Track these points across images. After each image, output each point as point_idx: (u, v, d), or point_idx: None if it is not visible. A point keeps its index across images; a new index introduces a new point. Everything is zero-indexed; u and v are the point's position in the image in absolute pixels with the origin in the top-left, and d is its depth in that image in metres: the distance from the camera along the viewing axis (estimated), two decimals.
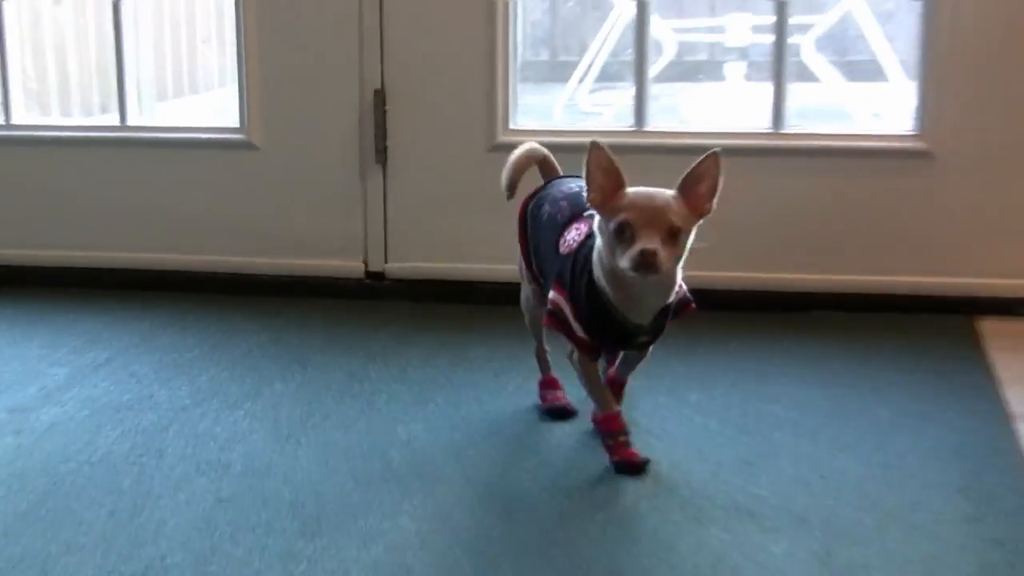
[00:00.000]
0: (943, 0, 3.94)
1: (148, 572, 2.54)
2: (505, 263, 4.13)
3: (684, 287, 2.89)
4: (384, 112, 4.23)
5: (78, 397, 3.47)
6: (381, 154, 4.23)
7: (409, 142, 4.25)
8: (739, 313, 4.01)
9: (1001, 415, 3.28)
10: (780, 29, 4.13)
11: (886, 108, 6.75)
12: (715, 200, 2.73)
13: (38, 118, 5.80)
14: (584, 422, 3.13)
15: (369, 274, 4.30)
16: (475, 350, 3.76)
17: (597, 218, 2.80)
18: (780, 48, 4.13)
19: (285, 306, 4.19)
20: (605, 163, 2.74)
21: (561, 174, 3.29)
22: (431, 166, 4.25)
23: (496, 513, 2.80)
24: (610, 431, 2.99)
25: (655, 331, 2.92)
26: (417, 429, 3.24)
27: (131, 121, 4.54)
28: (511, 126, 4.22)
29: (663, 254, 2.63)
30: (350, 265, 4.29)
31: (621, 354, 3.13)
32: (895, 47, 7.11)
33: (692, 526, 2.71)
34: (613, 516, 2.78)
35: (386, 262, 4.28)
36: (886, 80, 6.99)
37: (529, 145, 3.29)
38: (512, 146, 4.10)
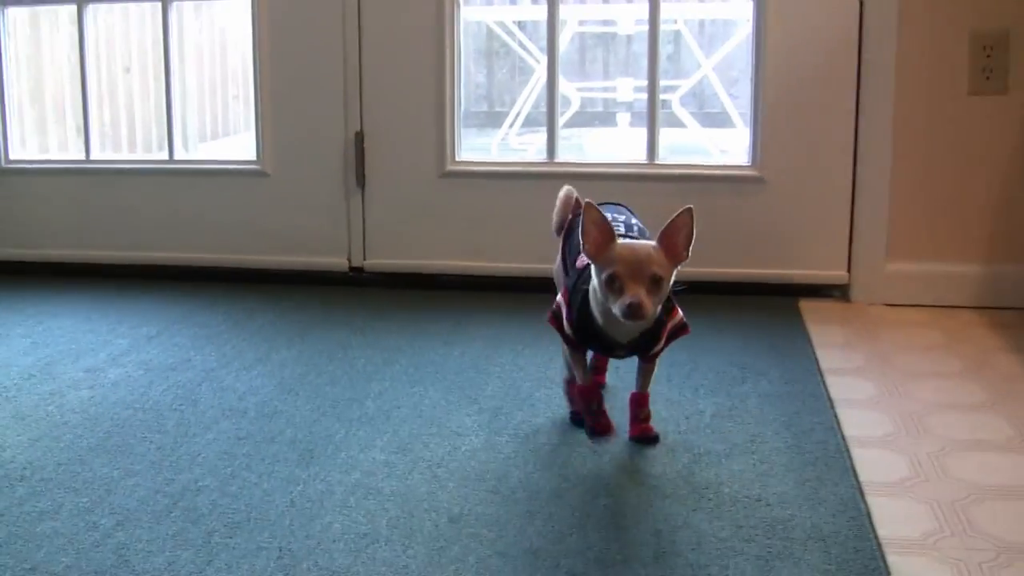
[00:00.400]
0: (768, 67, 3.96)
1: (186, 491, 2.53)
2: (454, 259, 4.14)
3: (681, 313, 2.63)
4: (363, 148, 4.20)
5: (135, 361, 3.42)
6: (361, 179, 4.20)
7: (381, 170, 4.21)
8: None
9: (815, 370, 3.28)
10: (652, 89, 4.11)
11: (731, 146, 6.76)
12: (690, 249, 2.47)
13: (111, 154, 5.73)
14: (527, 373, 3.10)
15: (352, 268, 4.26)
16: (432, 326, 3.73)
17: (592, 266, 2.51)
18: (653, 103, 4.11)
19: (288, 293, 4.14)
20: (598, 220, 2.47)
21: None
22: (398, 187, 4.21)
23: (445, 446, 2.77)
24: (585, 399, 2.71)
25: (634, 348, 2.63)
26: (385, 384, 3.21)
27: (177, 156, 4.49)
28: (457, 158, 4.20)
29: (648, 303, 2.38)
30: (337, 261, 4.25)
31: (639, 366, 2.76)
32: (737, 103, 7.14)
33: (585, 451, 2.69)
34: (534, 448, 2.75)
35: (365, 259, 4.24)
36: (733, 126, 7.01)
37: (566, 188, 2.96)
38: (458, 174, 4.13)
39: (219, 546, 2.28)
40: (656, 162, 4.10)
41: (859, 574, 2.15)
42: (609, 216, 2.73)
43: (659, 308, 2.48)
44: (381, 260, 4.22)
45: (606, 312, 2.49)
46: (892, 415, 2.95)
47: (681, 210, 2.46)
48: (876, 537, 2.30)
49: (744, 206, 4.02)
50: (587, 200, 2.50)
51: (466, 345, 3.52)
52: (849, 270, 3.98)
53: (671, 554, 2.23)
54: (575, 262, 2.72)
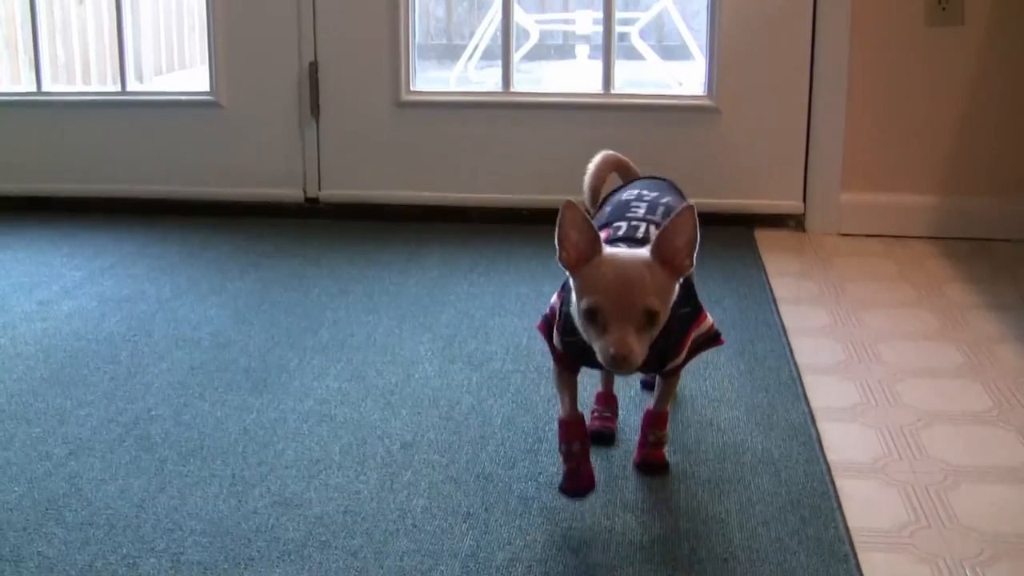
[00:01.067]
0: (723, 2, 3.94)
1: (139, 420, 2.52)
2: (409, 190, 4.12)
3: (710, 319, 2.20)
4: (317, 78, 4.15)
5: (89, 293, 3.39)
6: (315, 109, 4.16)
7: (336, 100, 4.17)
8: None
9: (769, 299, 3.29)
10: (608, 19, 4.09)
11: (691, 79, 6.74)
12: (694, 255, 1.96)
13: (65, 87, 5.66)
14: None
15: (307, 199, 4.23)
16: (385, 254, 3.71)
17: (570, 279, 2.00)
18: (609, 33, 4.10)
19: (243, 224, 4.10)
20: (580, 223, 1.94)
21: (639, 176, 2.56)
22: (353, 118, 4.17)
23: (398, 373, 2.77)
24: (566, 437, 2.15)
25: (643, 366, 2.06)
26: (340, 313, 3.20)
27: (131, 88, 4.44)
28: (412, 89, 4.16)
29: (637, 348, 1.87)
30: (293, 192, 4.22)
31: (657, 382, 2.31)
32: (697, 35, 7.10)
33: (536, 377, 2.69)
34: (487, 375, 2.75)
35: (320, 190, 4.21)
36: (692, 59, 6.99)
37: (604, 153, 2.56)
38: (413, 104, 4.10)
39: (172, 474, 2.28)
40: (612, 92, 4.09)
41: (808, 497, 2.17)
42: (634, 194, 2.31)
43: (656, 332, 1.96)
44: (336, 191, 4.20)
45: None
46: (844, 343, 2.97)
47: (679, 209, 1.95)
48: (826, 461, 2.32)
49: (700, 137, 4.01)
50: (568, 200, 1.95)
51: (421, 275, 3.51)
52: (804, 200, 3.99)
53: (621, 478, 2.25)
54: None
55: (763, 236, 3.92)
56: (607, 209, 2.31)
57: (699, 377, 2.70)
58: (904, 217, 3.92)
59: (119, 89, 4.44)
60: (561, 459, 2.15)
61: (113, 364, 2.83)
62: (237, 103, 4.22)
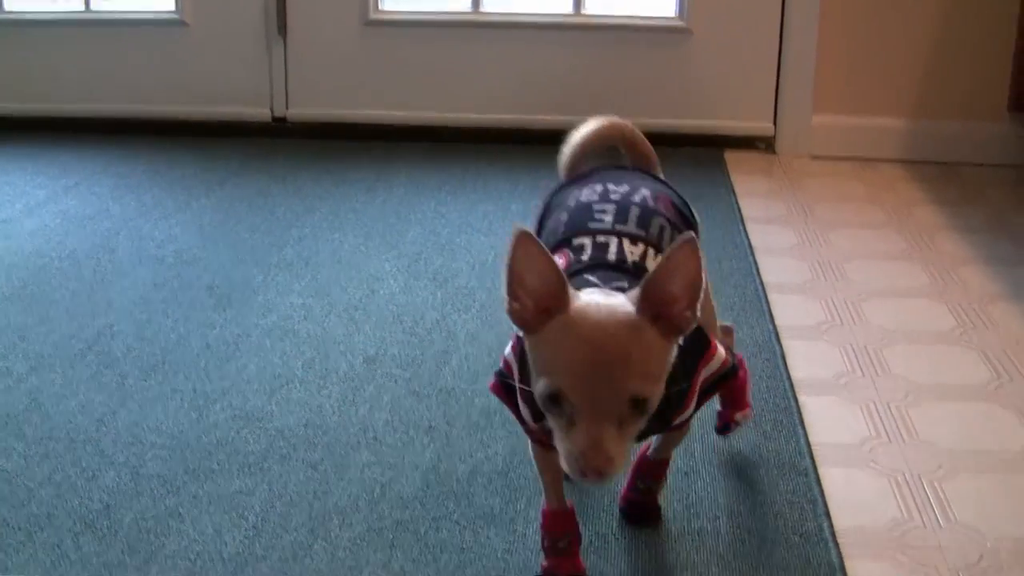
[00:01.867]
0: None
1: (100, 336, 2.50)
2: (378, 109, 4.07)
3: (721, 350, 1.64)
4: None
5: (52, 211, 3.35)
6: (282, 28, 4.09)
7: (303, 19, 4.10)
8: (547, 147, 3.95)
9: (737, 219, 3.28)
10: None
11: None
12: (698, 305, 1.41)
13: (27, 4, 5.56)
14: None
15: (274, 119, 4.17)
16: (352, 174, 3.69)
17: (524, 342, 1.46)
18: None
19: (210, 143, 4.06)
20: (538, 263, 1.40)
21: (651, 156, 2.00)
22: (320, 36, 4.11)
23: (363, 289, 2.76)
24: (550, 531, 1.69)
25: (638, 437, 1.54)
26: (306, 230, 3.18)
27: (94, 6, 4.35)
28: (380, 7, 4.10)
29: (618, 452, 1.36)
30: (260, 112, 4.16)
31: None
32: None
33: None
34: (452, 291, 2.74)
35: (287, 109, 4.16)
36: None
37: (604, 120, 1.94)
38: (381, 22, 4.05)
39: (133, 389, 2.27)
40: (582, 12, 4.04)
41: (770, 413, 2.18)
42: (597, 191, 1.73)
43: (632, 449, 1.55)
44: (303, 110, 4.15)
45: None
46: (811, 263, 2.97)
47: (678, 242, 1.38)
48: (789, 378, 2.32)
49: (671, 58, 3.97)
50: (520, 229, 1.40)
51: (387, 193, 3.49)
52: (775, 122, 3.97)
53: None
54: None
55: (733, 157, 3.90)
56: (561, 215, 1.71)
57: None
58: (875, 140, 3.91)
59: (83, 8, 4.36)
60: (543, 554, 1.71)
61: (76, 281, 2.81)
62: (203, 22, 4.15)
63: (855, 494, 1.94)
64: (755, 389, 2.26)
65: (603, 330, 1.38)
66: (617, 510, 1.86)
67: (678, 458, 2.00)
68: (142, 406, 2.20)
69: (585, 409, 1.35)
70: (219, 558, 1.74)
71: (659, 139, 3.92)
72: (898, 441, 2.10)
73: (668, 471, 1.84)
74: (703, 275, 1.40)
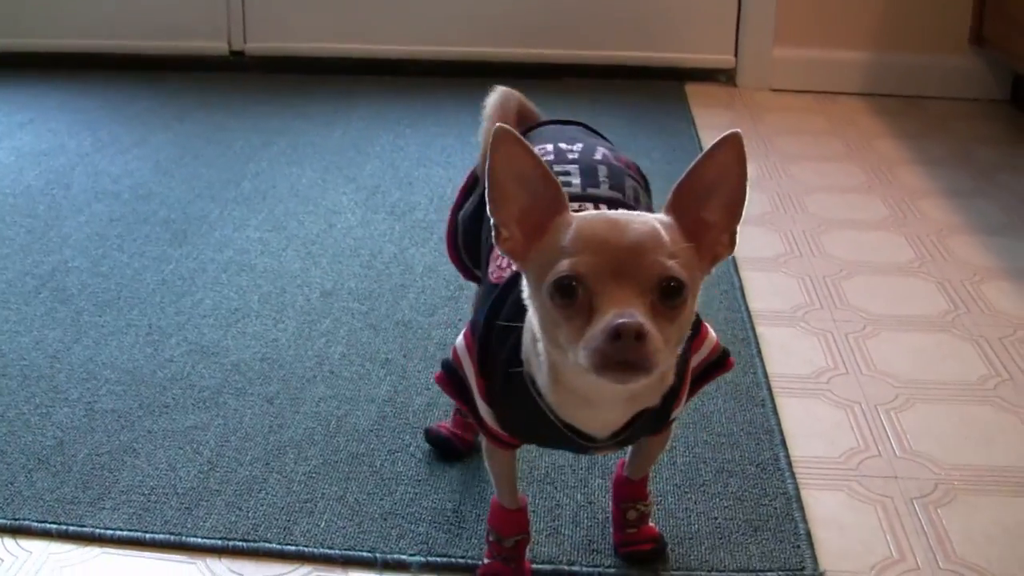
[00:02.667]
0: None
1: (55, 272, 2.47)
2: (337, 42, 4.02)
3: (713, 336, 1.46)
4: None
5: (6, 148, 3.29)
6: None
7: None
8: (507, 79, 3.91)
9: (697, 151, 3.21)
10: None
11: None
12: (738, 227, 1.24)
13: None
14: None
15: (232, 52, 4.12)
16: (312, 107, 3.65)
17: (522, 273, 1.26)
18: None
19: (167, 78, 4.00)
20: (528, 167, 1.21)
21: (541, 119, 1.77)
22: None
23: (320, 223, 2.73)
24: (498, 529, 1.53)
25: (627, 440, 1.39)
26: (263, 165, 3.15)
27: None
28: None
29: (655, 335, 1.12)
30: (217, 46, 4.10)
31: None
32: None
33: None
34: (409, 224, 2.72)
35: (245, 43, 4.09)
36: None
37: (500, 93, 1.74)
38: None
39: (88, 324, 2.24)
40: None
41: (728, 344, 2.15)
42: (549, 149, 1.55)
43: (679, 347, 1.24)
44: (262, 44, 4.08)
45: (558, 381, 1.28)
46: (771, 195, 2.96)
47: (722, 138, 1.21)
48: (747, 309, 2.31)
49: None
50: (499, 124, 1.21)
51: (346, 126, 3.45)
52: (736, 55, 3.94)
53: None
54: (487, 267, 1.49)
55: (694, 90, 3.88)
56: None
57: None
58: (836, 73, 3.89)
59: None
60: (485, 549, 1.57)
61: (30, 218, 2.76)
62: None
63: (812, 425, 1.93)
64: (714, 320, 2.24)
65: (626, 216, 1.21)
66: None
67: None
68: (97, 342, 2.17)
69: (605, 285, 1.14)
70: (173, 493, 1.73)
71: (620, 71, 3.95)
72: (855, 372, 2.10)
73: (647, 488, 1.62)
74: (746, 183, 1.22)
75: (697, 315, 1.33)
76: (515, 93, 1.72)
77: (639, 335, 1.10)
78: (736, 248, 1.25)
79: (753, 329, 2.23)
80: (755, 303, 2.35)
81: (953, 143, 3.39)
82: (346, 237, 2.65)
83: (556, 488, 1.75)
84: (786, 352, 2.17)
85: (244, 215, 2.78)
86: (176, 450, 1.83)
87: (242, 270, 2.48)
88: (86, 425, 1.90)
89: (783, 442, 1.87)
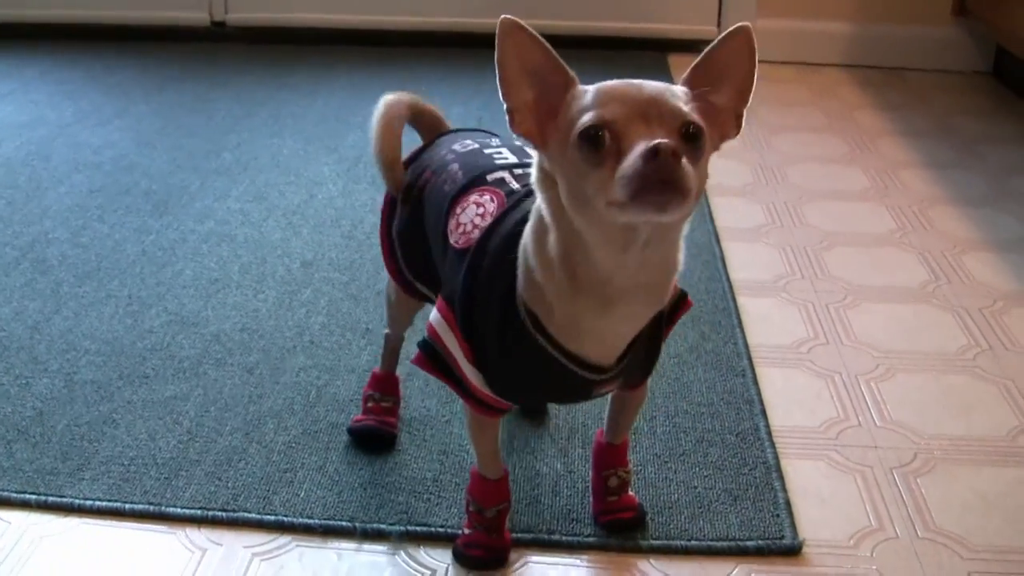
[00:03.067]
0: None
1: (36, 242, 2.46)
2: (318, 12, 3.99)
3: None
4: None
5: None
6: None
7: None
8: (489, 50, 3.89)
9: None
10: None
11: None
12: (745, 111, 1.29)
13: None
14: None
15: (214, 23, 4.09)
16: (294, 77, 3.63)
17: (535, 157, 1.28)
18: None
19: (148, 49, 3.97)
20: (536, 53, 1.25)
21: (450, 128, 1.72)
22: None
23: (302, 194, 2.72)
24: (479, 499, 1.54)
25: (629, 370, 1.40)
26: (245, 135, 3.13)
27: None
28: None
29: (687, 163, 1.14)
30: (198, 16, 4.07)
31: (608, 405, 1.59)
32: None
33: None
34: None
35: (226, 13, 4.07)
36: None
37: (393, 97, 1.67)
38: None
39: (67, 295, 2.22)
40: None
41: (709, 314, 2.17)
42: (467, 143, 1.58)
43: (698, 200, 1.23)
44: (243, 14, 4.06)
45: (575, 281, 1.28)
46: (753, 166, 2.95)
47: (732, 28, 1.27)
48: (728, 279, 2.31)
49: None
50: (504, 16, 1.25)
51: (328, 96, 3.43)
52: (719, 25, 3.93)
53: None
54: (446, 245, 1.46)
55: (676, 61, 3.87)
56: (450, 171, 1.53)
57: None
58: (820, 44, 3.88)
59: None
60: (465, 519, 1.58)
61: (10, 189, 2.75)
62: None
63: (792, 394, 1.93)
64: (695, 291, 2.25)
65: (640, 80, 1.23)
66: (553, 411, 1.85)
67: None
68: (77, 313, 2.16)
69: (633, 125, 1.17)
70: (153, 463, 1.72)
71: (602, 42, 3.93)
72: (836, 342, 2.10)
73: (628, 455, 1.62)
74: (756, 71, 1.27)
75: None
76: (404, 98, 1.68)
77: (675, 152, 1.12)
78: (740, 132, 1.31)
79: (734, 299, 2.23)
80: (736, 273, 2.34)
81: (935, 115, 3.39)
82: (327, 207, 2.64)
83: (536, 457, 1.75)
84: (767, 322, 2.17)
85: (225, 186, 2.76)
86: (156, 420, 1.82)
87: (223, 241, 2.46)
88: (66, 396, 1.89)
89: (763, 412, 1.87)
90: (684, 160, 1.13)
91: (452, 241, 1.44)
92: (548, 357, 1.33)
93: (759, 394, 1.92)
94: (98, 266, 2.35)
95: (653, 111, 1.18)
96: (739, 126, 1.29)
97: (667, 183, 1.13)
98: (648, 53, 3.90)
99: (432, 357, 1.42)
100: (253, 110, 3.32)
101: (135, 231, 2.51)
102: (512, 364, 1.36)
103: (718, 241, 2.47)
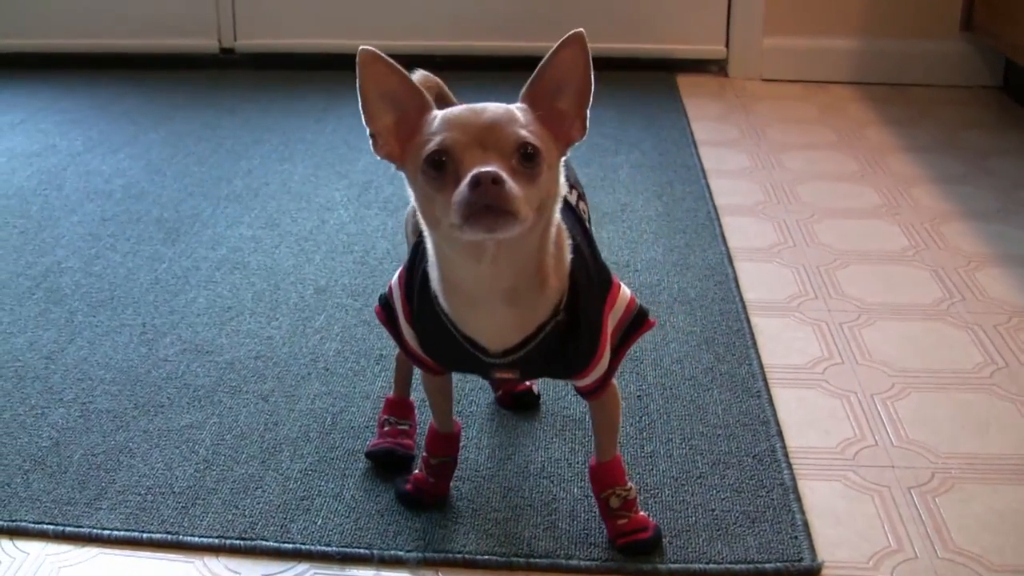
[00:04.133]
0: None
1: (49, 273, 2.46)
2: (327, 38, 4.00)
3: (626, 291, 1.54)
4: None
5: None
6: None
7: None
8: (499, 72, 3.89)
9: (689, 142, 3.26)
10: None
11: None
12: (587, 112, 1.39)
13: None
14: None
15: (222, 50, 4.10)
16: (303, 103, 3.64)
17: (403, 172, 1.39)
18: None
19: (156, 77, 3.98)
20: (392, 80, 1.37)
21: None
22: None
23: (313, 220, 2.73)
24: (430, 449, 1.70)
25: (529, 363, 1.48)
26: (255, 161, 3.14)
27: None
28: None
29: (514, 186, 1.26)
30: (207, 43, 4.09)
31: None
32: None
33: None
34: (402, 220, 2.71)
35: (235, 40, 4.08)
36: None
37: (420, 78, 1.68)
38: None
39: (82, 324, 2.23)
40: None
41: (723, 335, 2.17)
42: None
43: (557, 243, 1.41)
44: (251, 41, 4.07)
45: (450, 282, 1.43)
46: (763, 184, 2.95)
47: (566, 38, 1.37)
48: (741, 300, 2.31)
49: None
50: (362, 47, 1.38)
51: (337, 122, 3.44)
52: (727, 45, 3.94)
53: None
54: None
55: (685, 81, 3.87)
56: None
57: (616, 220, 2.68)
58: (827, 62, 3.88)
59: None
60: (418, 467, 1.73)
61: (23, 219, 2.76)
62: None
63: (808, 415, 1.93)
64: (708, 311, 2.25)
65: (484, 103, 1.36)
66: (570, 436, 1.85)
67: (631, 382, 1.99)
68: (91, 342, 2.16)
69: (468, 150, 1.29)
70: (170, 492, 1.72)
71: (611, 63, 3.93)
72: (850, 361, 2.10)
73: (626, 472, 1.64)
74: (591, 75, 1.38)
75: (608, 270, 1.54)
76: (430, 77, 1.81)
77: (495, 179, 1.25)
78: (586, 133, 1.40)
79: (748, 320, 2.23)
80: (749, 294, 2.34)
81: (944, 130, 3.39)
82: (339, 233, 2.65)
83: (552, 482, 1.75)
84: (781, 342, 2.17)
85: (237, 213, 2.77)
86: (172, 449, 1.83)
87: (235, 268, 2.47)
88: (81, 425, 1.89)
89: (779, 433, 1.86)
90: (509, 183, 1.26)
91: None
92: (448, 332, 1.47)
93: (775, 415, 1.92)
94: (112, 295, 2.35)
95: (490, 137, 1.30)
96: (584, 128, 1.39)
97: (491, 208, 1.25)
98: (656, 73, 3.90)
99: (386, 310, 1.60)
100: (263, 136, 3.33)
101: (148, 259, 2.52)
102: (427, 331, 1.52)
103: (731, 262, 2.47)
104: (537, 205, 1.31)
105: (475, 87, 3.53)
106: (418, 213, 1.39)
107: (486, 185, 1.24)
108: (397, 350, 1.73)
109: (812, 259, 2.52)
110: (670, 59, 3.97)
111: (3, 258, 2.53)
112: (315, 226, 2.69)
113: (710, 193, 2.86)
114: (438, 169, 1.30)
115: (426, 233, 1.41)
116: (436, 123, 1.33)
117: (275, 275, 2.44)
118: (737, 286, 2.37)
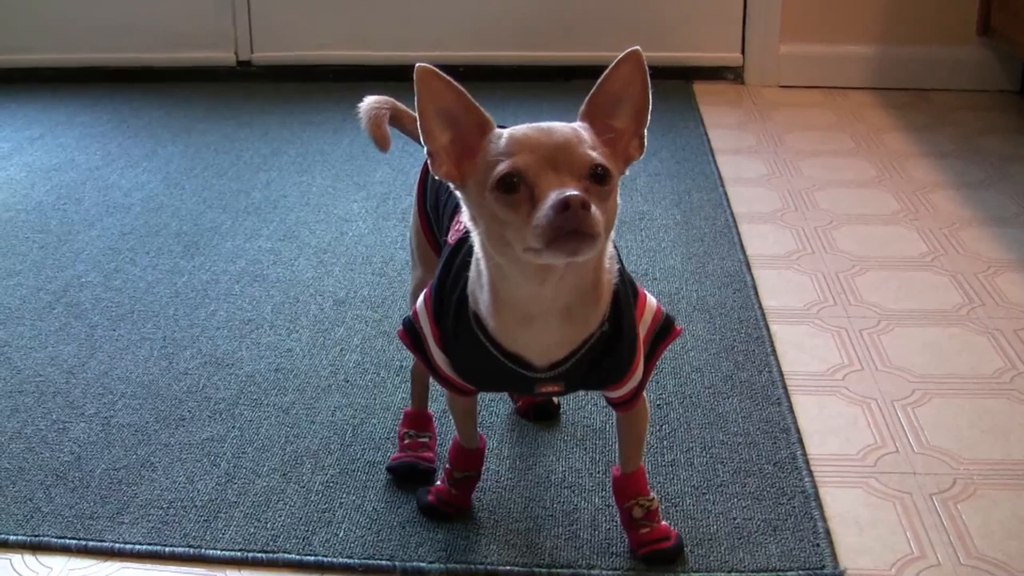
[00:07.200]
0: None
1: (69, 287, 2.48)
2: (344, 50, 4.02)
3: (654, 300, 1.55)
4: None
5: (17, 163, 3.30)
6: None
7: None
8: (518, 82, 3.91)
9: (706, 150, 3.26)
10: None
11: None
12: (645, 130, 1.38)
13: None
14: None
15: (240, 62, 4.12)
16: (320, 115, 3.65)
17: (460, 194, 1.39)
18: None
19: (174, 90, 4.00)
20: (449, 97, 1.35)
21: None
22: None
23: (332, 231, 2.74)
24: (454, 463, 1.70)
25: (571, 375, 1.47)
26: (273, 174, 3.15)
27: None
28: None
29: (596, 210, 1.25)
30: (224, 56, 4.11)
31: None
32: None
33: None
34: None
35: (252, 53, 4.10)
36: None
37: (374, 99, 1.80)
38: None
39: (102, 339, 2.24)
40: None
41: (742, 343, 2.17)
42: None
43: (608, 259, 1.42)
44: (269, 53, 4.09)
45: (502, 303, 1.41)
46: (781, 192, 2.95)
47: (623, 55, 1.34)
48: (760, 307, 2.31)
49: None
50: (419, 64, 1.35)
51: (355, 133, 3.44)
52: (743, 52, 3.94)
53: None
54: (448, 226, 1.61)
55: (701, 89, 3.87)
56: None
57: (634, 228, 2.68)
58: (843, 68, 3.88)
59: None
60: (441, 479, 1.73)
61: (43, 233, 2.77)
62: None
63: (828, 422, 1.93)
64: (727, 319, 2.25)
65: (550, 123, 1.34)
66: (591, 445, 1.85)
67: (651, 391, 1.98)
68: (111, 356, 2.17)
69: (544, 172, 1.28)
70: (192, 505, 1.73)
71: None
72: (870, 368, 2.10)
73: (648, 485, 1.64)
74: (650, 95, 1.36)
75: (635, 282, 1.53)
76: (388, 100, 1.82)
77: (584, 204, 1.23)
78: (644, 151, 1.39)
79: (767, 327, 2.23)
80: (768, 301, 2.34)
81: (963, 135, 3.39)
82: (358, 245, 2.66)
83: (574, 492, 1.75)
84: (801, 349, 2.16)
85: (255, 225, 2.78)
86: (193, 463, 1.84)
87: (255, 280, 2.48)
88: (103, 440, 1.90)
89: (800, 440, 1.86)
90: (593, 208, 1.24)
91: (447, 236, 1.58)
92: (488, 352, 1.45)
93: (795, 422, 1.91)
94: (132, 309, 2.36)
95: (562, 158, 1.29)
96: (642, 147, 1.39)
97: (577, 231, 1.24)
98: (673, 81, 3.90)
99: (411, 334, 1.56)
100: (281, 148, 3.35)
101: (167, 272, 2.53)
102: (463, 353, 1.50)
103: (749, 269, 2.47)
104: (608, 226, 1.31)
105: (495, 98, 3.58)
106: (479, 234, 1.37)
107: (575, 209, 1.23)
108: (413, 363, 1.74)
109: (831, 266, 2.52)
110: (687, 67, 3.97)
111: (23, 273, 2.55)
112: (334, 238, 2.70)
113: (728, 201, 2.86)
114: (510, 191, 1.28)
115: (482, 253, 1.39)
116: (503, 143, 1.32)
117: (294, 287, 2.44)
118: (756, 294, 2.37)
